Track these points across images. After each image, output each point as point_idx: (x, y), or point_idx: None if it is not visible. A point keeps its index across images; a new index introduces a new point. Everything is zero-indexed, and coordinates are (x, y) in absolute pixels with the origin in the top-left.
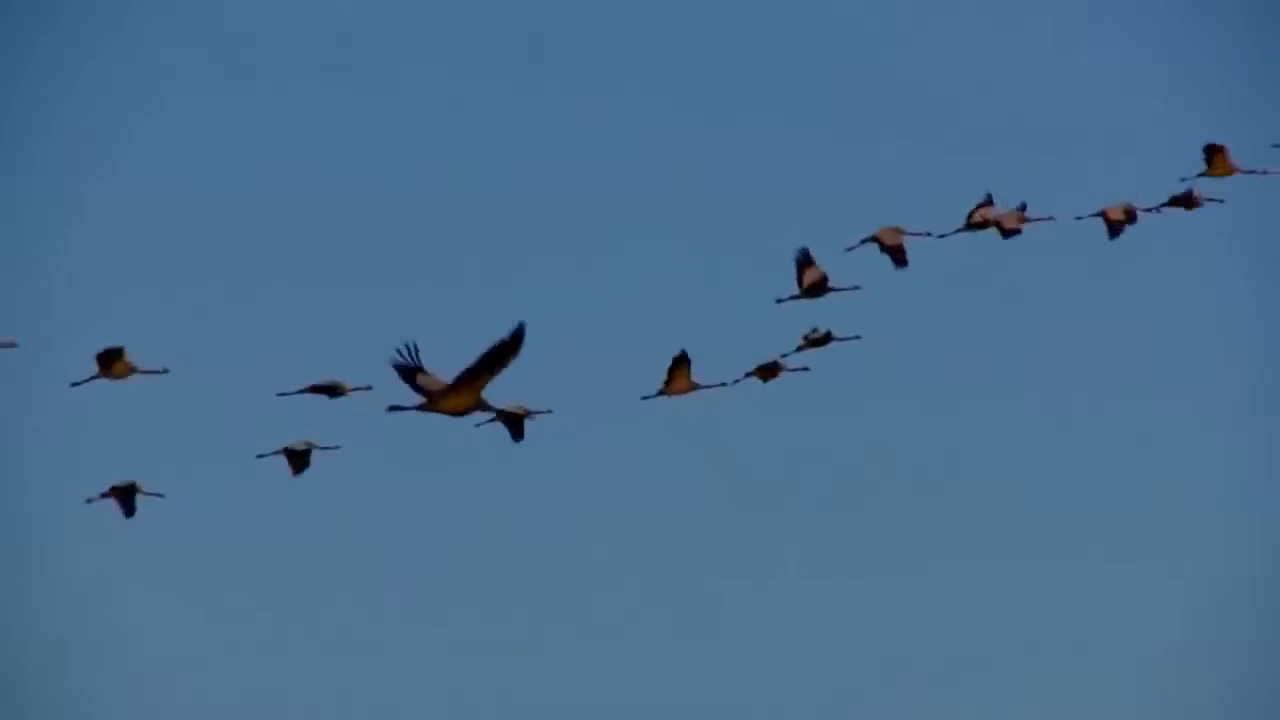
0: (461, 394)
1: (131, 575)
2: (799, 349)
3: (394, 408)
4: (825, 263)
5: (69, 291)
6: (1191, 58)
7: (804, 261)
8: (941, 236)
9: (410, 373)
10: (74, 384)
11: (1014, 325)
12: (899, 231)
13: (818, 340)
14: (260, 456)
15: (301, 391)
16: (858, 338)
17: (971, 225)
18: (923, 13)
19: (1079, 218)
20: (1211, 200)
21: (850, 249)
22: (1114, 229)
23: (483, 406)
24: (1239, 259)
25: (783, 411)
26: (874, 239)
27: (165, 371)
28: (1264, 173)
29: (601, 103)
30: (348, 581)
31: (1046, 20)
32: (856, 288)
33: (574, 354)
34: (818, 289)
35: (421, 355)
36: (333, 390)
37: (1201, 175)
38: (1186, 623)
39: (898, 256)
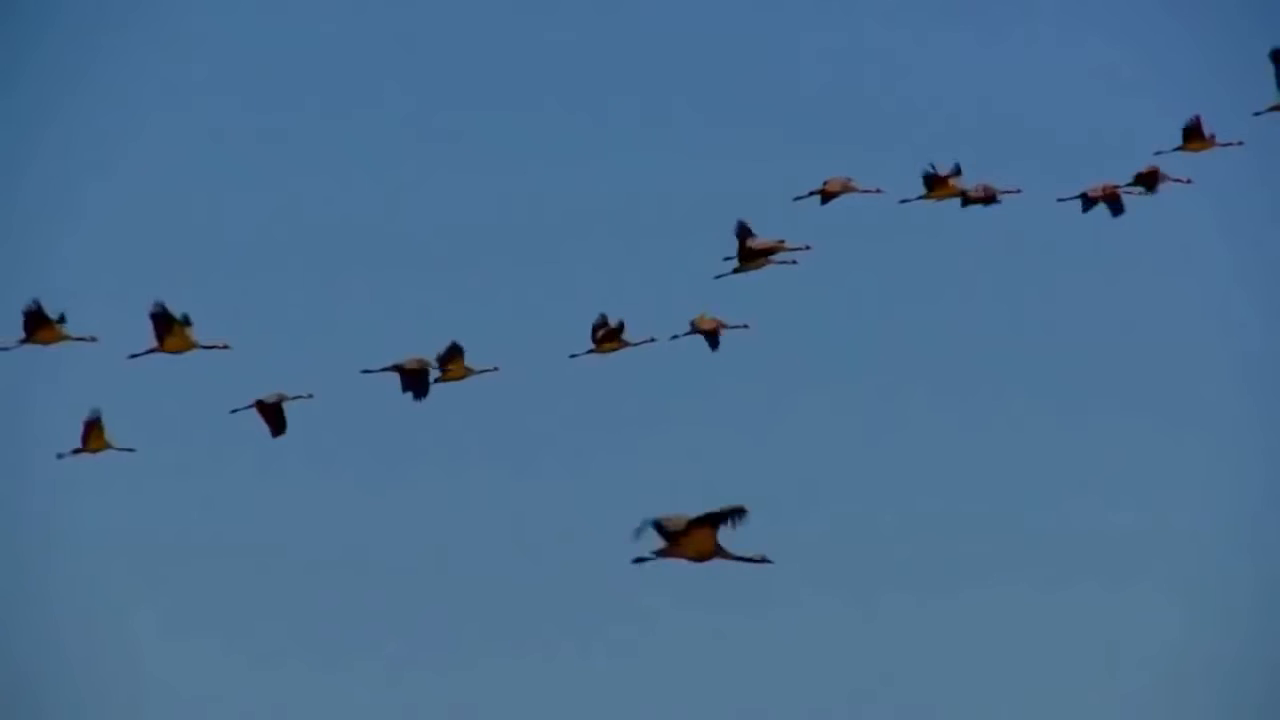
0: (702, 548)
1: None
2: (736, 270)
3: (639, 559)
4: (778, 215)
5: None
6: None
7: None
8: (903, 202)
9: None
10: (132, 356)
11: (1009, 344)
12: (846, 183)
13: (763, 251)
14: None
15: (385, 370)
16: (795, 261)
17: (934, 193)
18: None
19: (1061, 199)
20: (1178, 180)
21: (799, 198)
22: (1089, 205)
23: (721, 553)
24: (1237, 280)
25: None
26: (821, 190)
27: (227, 347)
28: (1188, 181)
29: (598, 114)
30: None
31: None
32: (807, 248)
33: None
34: (764, 251)
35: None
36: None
37: (1129, 185)
38: (1180, 641)
39: (828, 198)
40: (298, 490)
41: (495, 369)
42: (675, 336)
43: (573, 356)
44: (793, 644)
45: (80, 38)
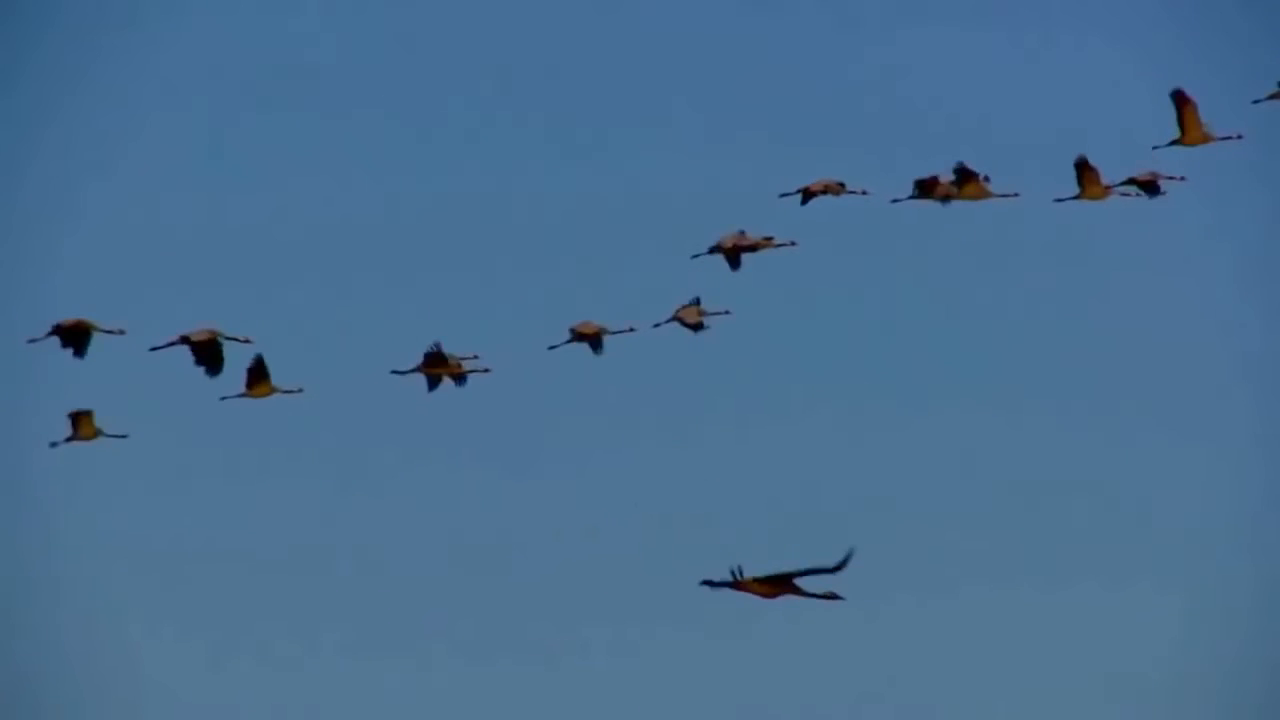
0: (777, 587)
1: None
2: (719, 248)
3: (706, 582)
4: (773, 216)
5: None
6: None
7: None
8: (895, 201)
9: (733, 584)
10: (154, 348)
11: (1006, 344)
12: (828, 184)
13: (746, 247)
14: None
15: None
16: (793, 243)
17: (924, 193)
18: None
19: (1059, 200)
20: (1172, 179)
21: (785, 195)
22: (808, 198)
23: (793, 591)
24: (1236, 278)
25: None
26: (805, 189)
27: (249, 341)
28: (1182, 179)
29: (595, 113)
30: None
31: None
32: (793, 243)
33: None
34: (748, 246)
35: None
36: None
37: (1077, 197)
38: (1180, 642)
39: (809, 197)
40: (303, 490)
41: (475, 357)
42: (657, 325)
43: (551, 348)
44: (793, 646)
45: (80, 38)
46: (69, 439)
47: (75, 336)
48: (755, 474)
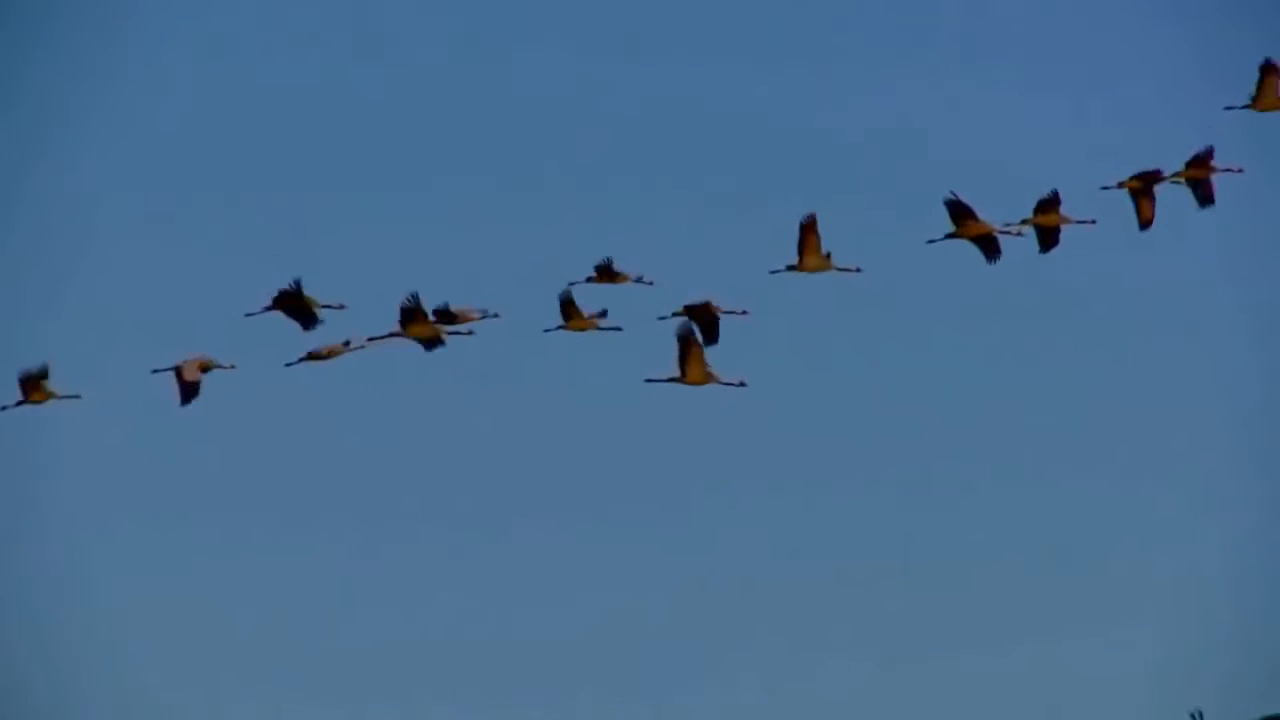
0: None
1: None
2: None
3: None
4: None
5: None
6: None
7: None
8: (930, 242)
9: None
10: (372, 338)
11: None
12: (819, 258)
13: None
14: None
15: None
16: (744, 312)
17: (962, 230)
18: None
19: (1105, 187)
20: (1229, 170)
21: (775, 272)
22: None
23: None
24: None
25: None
26: (798, 265)
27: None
28: (1240, 170)
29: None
30: None
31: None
32: (744, 312)
33: None
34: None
35: None
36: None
37: (1122, 185)
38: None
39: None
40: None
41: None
42: (547, 330)
43: (371, 339)
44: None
45: (79, 40)
46: (20, 402)
47: (298, 309)
48: (776, 533)
